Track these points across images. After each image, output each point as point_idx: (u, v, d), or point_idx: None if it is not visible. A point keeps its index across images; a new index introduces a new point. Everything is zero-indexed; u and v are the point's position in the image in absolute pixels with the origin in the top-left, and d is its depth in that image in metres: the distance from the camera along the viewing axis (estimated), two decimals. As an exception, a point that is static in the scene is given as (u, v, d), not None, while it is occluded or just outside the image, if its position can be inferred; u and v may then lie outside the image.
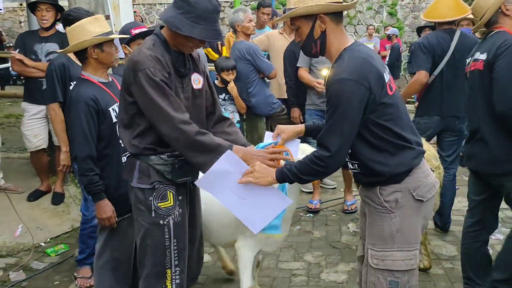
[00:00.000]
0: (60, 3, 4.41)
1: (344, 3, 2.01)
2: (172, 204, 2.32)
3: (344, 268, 3.57)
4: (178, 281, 2.36)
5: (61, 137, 3.50)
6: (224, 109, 4.64)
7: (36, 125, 4.42)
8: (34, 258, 3.82)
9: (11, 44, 11.06)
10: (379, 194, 2.06)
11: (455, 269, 3.57)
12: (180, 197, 2.36)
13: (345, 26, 4.39)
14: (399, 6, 12.86)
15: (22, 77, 4.94)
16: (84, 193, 3.45)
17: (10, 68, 6.21)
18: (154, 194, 2.28)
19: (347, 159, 2.12)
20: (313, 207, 4.73)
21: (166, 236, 2.30)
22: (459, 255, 3.76)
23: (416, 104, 4.83)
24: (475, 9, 2.89)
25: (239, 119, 4.72)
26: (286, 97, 5.32)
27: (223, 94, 4.64)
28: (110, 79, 2.91)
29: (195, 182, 2.24)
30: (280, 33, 5.39)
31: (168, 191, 2.31)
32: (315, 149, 2.03)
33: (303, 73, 4.52)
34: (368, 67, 1.95)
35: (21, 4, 13.75)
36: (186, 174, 2.34)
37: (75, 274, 3.49)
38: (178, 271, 2.35)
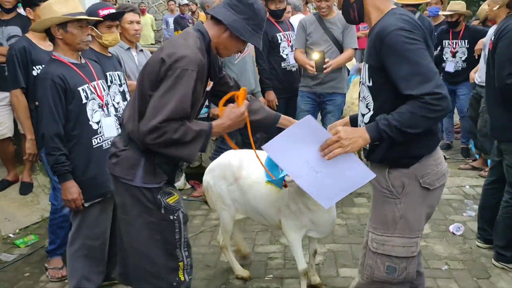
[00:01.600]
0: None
1: None
2: (178, 197, 2.24)
3: (320, 250, 3.57)
4: (189, 270, 2.30)
5: (25, 124, 3.37)
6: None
7: (0, 113, 4.24)
8: (2, 250, 3.70)
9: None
10: (387, 177, 2.01)
11: (429, 247, 3.63)
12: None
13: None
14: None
15: (-17, 63, 4.72)
16: (53, 182, 3.35)
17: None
18: (161, 192, 2.18)
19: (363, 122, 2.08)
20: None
21: (176, 230, 2.22)
22: (432, 232, 3.85)
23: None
24: None
25: (208, 104, 4.62)
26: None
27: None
28: (83, 61, 2.84)
29: (262, 146, 2.03)
30: None
31: (168, 188, 2.23)
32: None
33: (298, 55, 4.44)
34: (420, 26, 1.92)
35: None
36: (180, 175, 2.29)
37: (46, 265, 3.40)
38: (189, 261, 2.30)
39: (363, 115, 2.10)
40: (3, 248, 3.73)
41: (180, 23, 8.75)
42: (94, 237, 2.84)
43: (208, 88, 2.28)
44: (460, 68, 5.74)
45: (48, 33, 2.73)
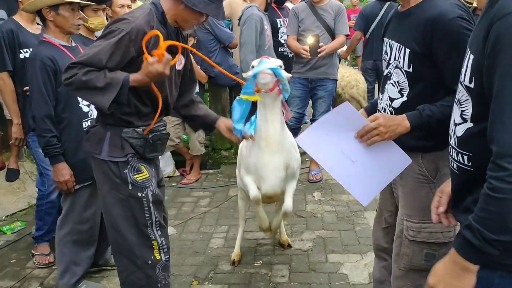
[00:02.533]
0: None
1: None
2: (148, 175, 2.22)
3: (309, 236, 3.58)
4: (166, 249, 2.28)
5: (12, 108, 3.29)
6: (184, 78, 4.51)
7: (-15, 98, 4.17)
8: (-11, 237, 3.67)
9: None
10: (421, 162, 1.92)
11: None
12: (153, 170, 2.30)
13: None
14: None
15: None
16: (39, 168, 3.31)
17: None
18: (128, 166, 2.17)
19: (390, 110, 1.96)
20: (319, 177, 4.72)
21: (145, 209, 2.20)
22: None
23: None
24: None
25: (198, 90, 4.59)
26: (249, 66, 5.23)
27: (184, 63, 4.50)
28: (74, 44, 2.83)
29: (296, 139, 1.96)
30: (243, 0, 5.26)
31: (140, 164, 2.20)
32: None
33: (291, 41, 4.46)
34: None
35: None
36: (156, 150, 2.27)
37: (33, 252, 3.36)
38: (164, 241, 2.28)
39: (391, 99, 1.98)
40: (-11, 235, 3.69)
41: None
42: (83, 221, 2.82)
43: (179, 67, 2.28)
44: None
45: (40, 15, 2.72)
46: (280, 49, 4.81)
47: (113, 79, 1.99)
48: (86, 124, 2.74)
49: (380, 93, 2.14)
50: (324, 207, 4.12)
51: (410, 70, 1.89)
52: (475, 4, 5.68)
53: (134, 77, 2.02)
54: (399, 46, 1.93)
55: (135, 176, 2.17)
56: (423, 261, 1.96)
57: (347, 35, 4.46)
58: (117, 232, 2.23)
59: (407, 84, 1.92)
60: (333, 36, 4.38)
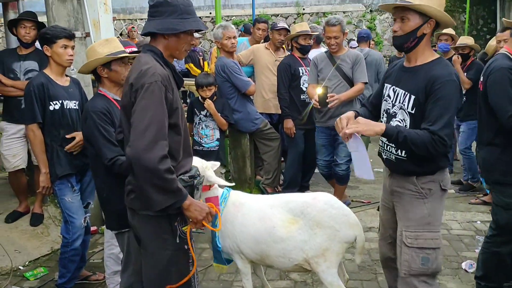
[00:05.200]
0: (39, 19, 4.36)
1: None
2: (190, 228, 2.25)
3: (330, 286, 3.53)
4: None
5: (40, 158, 3.40)
6: (205, 125, 4.62)
7: (15, 145, 4.33)
8: (12, 283, 3.69)
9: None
10: (416, 183, 2.48)
11: (441, 285, 3.56)
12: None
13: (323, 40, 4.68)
14: (378, 20, 13.04)
15: (0, 96, 4.83)
16: (64, 215, 3.37)
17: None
18: (178, 218, 2.17)
19: (393, 146, 2.52)
20: None
21: (190, 261, 2.22)
22: (445, 270, 3.78)
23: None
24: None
25: (219, 137, 4.69)
26: (271, 111, 5.38)
27: (205, 111, 4.62)
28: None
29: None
30: (266, 48, 5.43)
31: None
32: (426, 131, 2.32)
33: (310, 89, 4.68)
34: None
35: (-2, 21, 13.47)
36: (200, 194, 2.30)
37: (55, 299, 3.39)
38: None
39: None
40: (12, 280, 3.73)
41: (190, 56, 8.86)
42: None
43: None
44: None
45: (94, 73, 2.95)
46: (302, 96, 4.99)
47: (181, 191, 2.06)
48: None
49: None
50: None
51: (413, 112, 2.44)
52: (470, 42, 5.77)
53: (192, 200, 2.12)
54: (405, 93, 2.47)
55: (183, 228, 2.19)
56: (420, 265, 2.46)
57: (365, 83, 4.55)
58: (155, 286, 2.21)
59: (409, 122, 2.46)
60: (351, 84, 4.49)
